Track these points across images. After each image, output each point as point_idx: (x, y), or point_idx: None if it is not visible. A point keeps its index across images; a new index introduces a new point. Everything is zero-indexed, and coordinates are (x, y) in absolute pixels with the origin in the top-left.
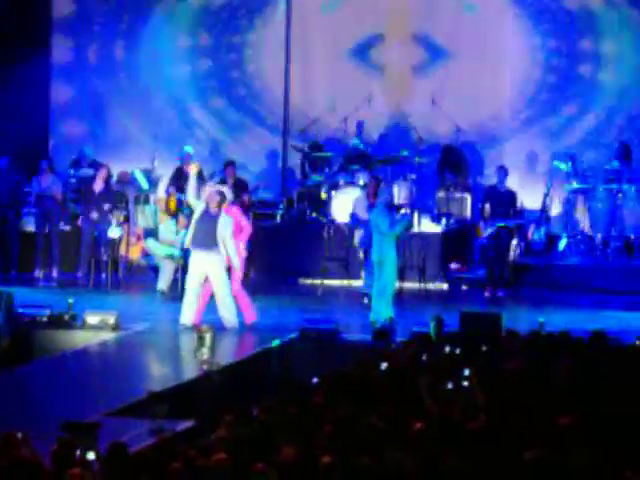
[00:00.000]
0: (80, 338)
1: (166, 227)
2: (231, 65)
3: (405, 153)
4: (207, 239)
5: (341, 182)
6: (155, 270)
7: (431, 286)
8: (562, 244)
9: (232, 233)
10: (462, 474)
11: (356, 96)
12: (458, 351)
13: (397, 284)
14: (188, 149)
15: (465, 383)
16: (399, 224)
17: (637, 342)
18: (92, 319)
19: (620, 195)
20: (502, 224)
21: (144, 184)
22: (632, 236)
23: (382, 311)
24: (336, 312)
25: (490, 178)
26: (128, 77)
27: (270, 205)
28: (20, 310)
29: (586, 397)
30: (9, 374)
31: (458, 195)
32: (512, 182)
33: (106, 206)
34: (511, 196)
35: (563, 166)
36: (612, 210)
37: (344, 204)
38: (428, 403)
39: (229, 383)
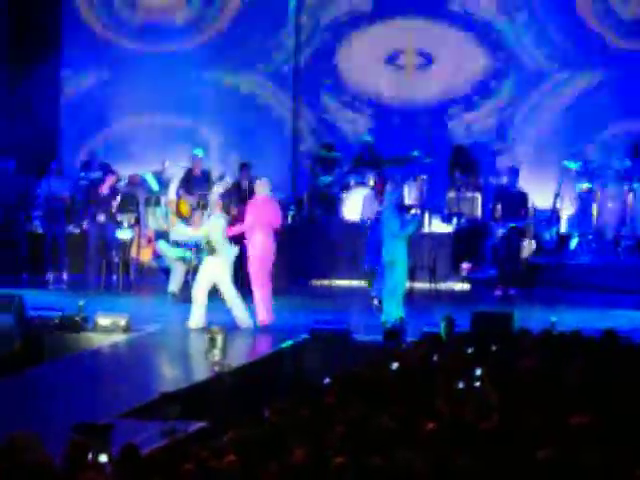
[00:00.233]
0: (92, 340)
1: (176, 229)
2: (243, 65)
3: (415, 153)
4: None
5: (352, 182)
6: (166, 272)
7: (442, 286)
8: (573, 243)
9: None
10: (474, 474)
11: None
12: (470, 351)
13: (408, 284)
14: (198, 152)
15: (477, 383)
16: (410, 225)
17: None
18: (103, 321)
19: (631, 194)
20: (513, 224)
21: (155, 186)
22: None
23: (393, 311)
24: (347, 313)
25: (501, 178)
26: (139, 76)
27: (281, 206)
28: (31, 313)
29: (598, 396)
30: (21, 377)
31: (469, 195)
32: (522, 182)
33: (113, 209)
34: (522, 196)
35: (573, 165)
36: (623, 209)
37: (355, 204)
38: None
39: (241, 384)
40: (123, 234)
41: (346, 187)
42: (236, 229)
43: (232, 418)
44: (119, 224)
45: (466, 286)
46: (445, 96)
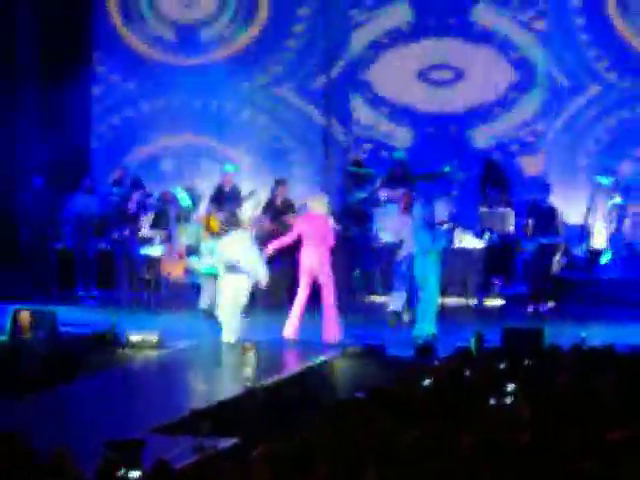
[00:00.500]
0: (123, 357)
1: (208, 245)
2: (274, 82)
3: (447, 169)
4: None
5: (383, 198)
6: (198, 288)
7: (474, 302)
8: (605, 258)
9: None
10: None
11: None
12: (501, 366)
13: (440, 300)
14: (229, 168)
15: (509, 398)
16: (441, 240)
17: None
18: (135, 338)
19: None
20: (545, 240)
21: (186, 202)
22: None
23: (425, 327)
24: (379, 329)
25: (532, 194)
26: (172, 92)
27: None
28: (63, 329)
29: (634, 411)
30: (53, 393)
31: (500, 210)
32: (553, 197)
33: (142, 225)
34: (553, 212)
35: (605, 180)
36: None
37: (386, 220)
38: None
39: (272, 400)
40: (154, 250)
41: (376, 202)
42: (278, 242)
43: (263, 434)
44: (150, 240)
45: (498, 302)
46: (475, 110)
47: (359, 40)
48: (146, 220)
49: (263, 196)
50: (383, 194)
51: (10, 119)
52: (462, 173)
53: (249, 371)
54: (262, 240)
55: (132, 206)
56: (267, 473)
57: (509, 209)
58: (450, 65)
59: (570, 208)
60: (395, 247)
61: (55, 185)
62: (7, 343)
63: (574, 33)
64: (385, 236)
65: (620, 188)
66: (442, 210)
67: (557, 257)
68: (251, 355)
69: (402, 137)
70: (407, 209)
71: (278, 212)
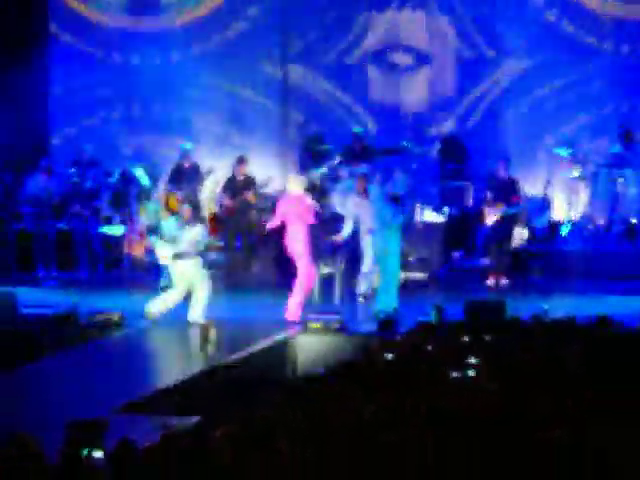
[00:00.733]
0: (85, 337)
1: (168, 224)
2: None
3: (406, 144)
4: None
5: (342, 174)
6: (158, 267)
7: (435, 276)
8: (565, 230)
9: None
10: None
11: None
12: (464, 339)
13: (401, 274)
14: (187, 145)
15: (472, 371)
16: (402, 215)
17: None
18: (96, 318)
19: (622, 180)
20: (504, 212)
21: (145, 181)
22: (634, 221)
23: (386, 301)
24: (339, 304)
25: (491, 166)
26: (129, 69)
27: (272, 199)
28: (24, 310)
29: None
30: (15, 373)
31: (459, 184)
32: (513, 169)
33: (101, 204)
34: (513, 184)
35: (564, 152)
36: (614, 195)
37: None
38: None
39: (234, 378)
40: (114, 230)
41: (337, 179)
42: (270, 225)
43: (225, 413)
44: (110, 220)
45: (458, 275)
46: (433, 90)
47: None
48: (106, 200)
49: (221, 174)
50: (343, 171)
51: None
52: (420, 148)
53: (210, 350)
54: (224, 217)
55: (88, 185)
56: (228, 452)
57: (468, 183)
58: (408, 46)
59: (530, 180)
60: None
61: (13, 166)
62: None
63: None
64: (342, 212)
65: (579, 159)
66: (401, 185)
67: (517, 229)
68: (212, 333)
69: (359, 117)
70: (364, 192)
71: (239, 189)
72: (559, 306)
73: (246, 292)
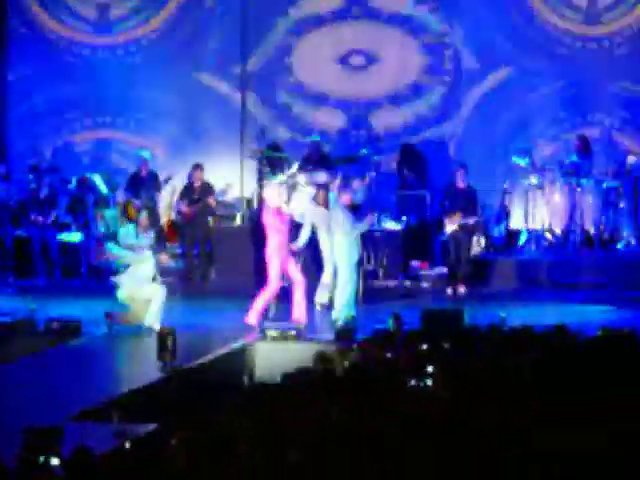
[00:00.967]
0: (42, 344)
1: (125, 231)
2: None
3: (364, 152)
4: None
5: (300, 182)
6: (116, 274)
7: (392, 284)
8: (522, 239)
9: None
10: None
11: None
12: (421, 348)
13: (358, 282)
14: (144, 153)
15: (429, 380)
16: (361, 223)
17: (599, 332)
18: (53, 324)
19: (579, 189)
20: (462, 221)
21: (103, 188)
22: (592, 230)
23: (344, 310)
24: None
25: (450, 175)
26: (88, 76)
27: (230, 207)
28: None
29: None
30: None
31: (417, 193)
32: (471, 178)
33: (54, 212)
34: (471, 193)
35: (521, 161)
36: (571, 204)
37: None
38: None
39: (192, 385)
40: (72, 237)
41: (294, 187)
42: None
43: (183, 420)
44: (68, 227)
45: (416, 284)
46: (391, 94)
47: (281, 25)
48: (63, 207)
49: (179, 181)
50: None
51: None
52: (379, 156)
53: (168, 357)
54: (181, 224)
55: (45, 191)
56: (183, 459)
57: (426, 191)
58: (364, 50)
59: (488, 189)
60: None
61: None
62: None
63: (483, 15)
64: (300, 219)
65: (537, 168)
66: (359, 193)
67: (475, 238)
68: (169, 340)
69: (321, 122)
70: (324, 201)
71: (196, 196)
72: (517, 315)
73: (204, 299)
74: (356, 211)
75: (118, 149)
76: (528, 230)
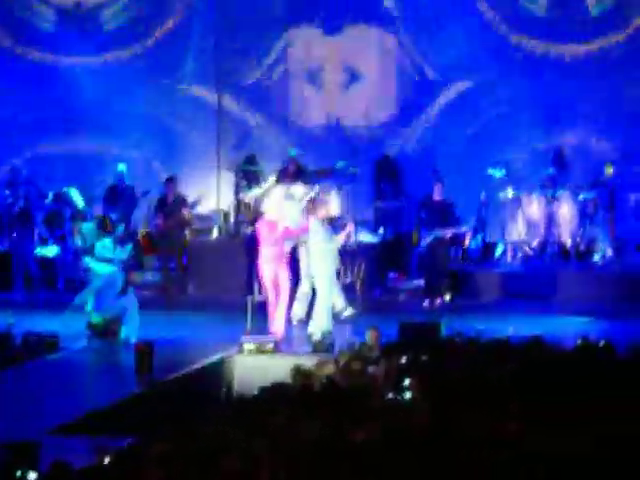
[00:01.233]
0: (20, 358)
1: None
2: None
3: (341, 164)
4: None
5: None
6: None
7: (369, 297)
8: (499, 251)
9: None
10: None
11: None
12: (400, 361)
13: (335, 295)
14: (121, 167)
15: (407, 392)
16: (337, 236)
17: (578, 341)
18: (31, 339)
19: (555, 201)
20: (439, 233)
21: (80, 202)
22: (568, 241)
23: (321, 323)
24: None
25: (426, 187)
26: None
27: (207, 220)
28: None
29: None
30: None
31: (394, 205)
32: (447, 191)
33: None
34: (447, 205)
35: (497, 173)
36: (548, 216)
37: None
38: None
39: (169, 399)
40: (49, 250)
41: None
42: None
43: (160, 433)
44: (45, 240)
45: (393, 297)
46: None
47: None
48: (40, 221)
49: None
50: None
51: None
52: (356, 168)
53: (145, 370)
54: (157, 238)
55: (21, 205)
56: (159, 474)
57: (403, 204)
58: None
59: (464, 201)
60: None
61: None
62: None
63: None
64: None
65: (512, 180)
66: (336, 206)
67: (451, 250)
68: (147, 354)
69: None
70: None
71: (170, 209)
72: (494, 327)
73: (181, 312)
74: (333, 224)
75: (93, 162)
76: (504, 242)
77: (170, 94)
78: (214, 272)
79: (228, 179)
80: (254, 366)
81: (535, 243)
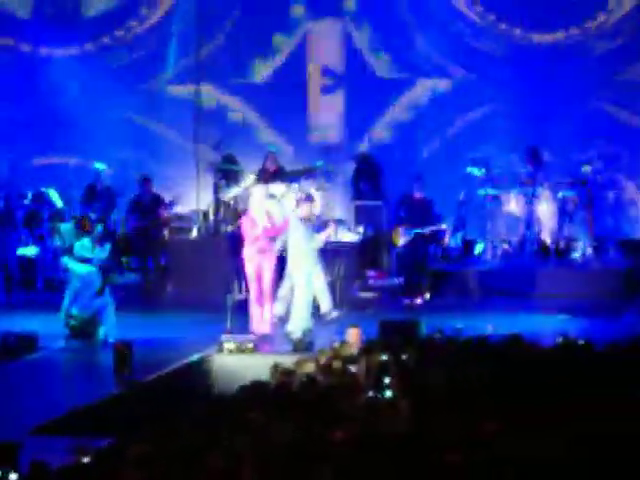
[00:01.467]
0: None
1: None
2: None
3: (319, 163)
4: None
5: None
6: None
7: (349, 295)
8: (478, 249)
9: None
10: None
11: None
12: (380, 359)
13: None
14: (100, 166)
15: (387, 391)
16: (318, 235)
17: (558, 339)
18: (10, 339)
19: (534, 199)
20: (418, 231)
21: (58, 202)
22: (547, 239)
23: (300, 322)
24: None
25: (405, 186)
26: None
27: (186, 219)
28: None
29: (506, 401)
30: None
31: (373, 203)
32: (427, 189)
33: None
34: (427, 203)
35: (477, 171)
36: (527, 214)
37: None
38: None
39: (149, 399)
40: (28, 250)
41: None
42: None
43: (140, 434)
44: (24, 241)
45: (373, 295)
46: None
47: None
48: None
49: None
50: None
51: None
52: (333, 166)
53: (125, 370)
54: (134, 238)
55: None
56: (137, 475)
57: (382, 202)
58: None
59: (444, 199)
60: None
61: None
62: None
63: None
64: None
65: (492, 179)
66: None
67: (431, 248)
68: (126, 354)
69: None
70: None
71: (146, 209)
72: (474, 325)
73: (160, 312)
74: (313, 223)
75: (73, 163)
76: (484, 240)
77: (149, 92)
78: (193, 271)
79: (207, 178)
80: (234, 365)
81: (515, 241)
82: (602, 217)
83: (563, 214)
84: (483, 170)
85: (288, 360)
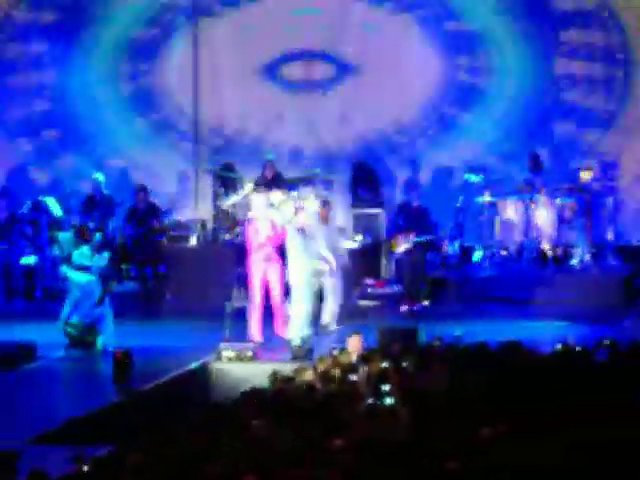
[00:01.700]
0: None
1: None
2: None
3: (317, 171)
4: None
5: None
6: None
7: (348, 303)
8: (477, 256)
9: None
10: None
11: (267, 115)
12: (380, 366)
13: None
14: (98, 176)
15: (387, 398)
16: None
17: (557, 346)
18: (9, 348)
19: (533, 205)
20: (416, 239)
21: (57, 211)
22: (546, 246)
23: (300, 329)
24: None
25: (403, 193)
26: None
27: (185, 227)
28: None
29: (505, 407)
30: None
31: (371, 211)
32: (425, 196)
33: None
34: (424, 211)
35: (474, 178)
36: (525, 220)
37: None
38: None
39: (149, 406)
40: (27, 259)
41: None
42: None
43: (140, 441)
44: (23, 249)
45: (372, 303)
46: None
47: None
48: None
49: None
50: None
51: None
52: (332, 174)
53: (124, 379)
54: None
55: (3, 216)
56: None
57: (380, 209)
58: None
59: (442, 207)
60: None
61: None
62: None
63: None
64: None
65: (490, 185)
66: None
67: (429, 256)
68: (126, 362)
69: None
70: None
71: (142, 218)
72: (472, 332)
73: (159, 320)
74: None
75: (71, 170)
76: (482, 247)
77: (146, 96)
78: (192, 279)
79: (206, 187)
80: (233, 373)
81: (513, 248)
82: (601, 224)
83: (561, 221)
84: (481, 176)
85: (287, 368)
